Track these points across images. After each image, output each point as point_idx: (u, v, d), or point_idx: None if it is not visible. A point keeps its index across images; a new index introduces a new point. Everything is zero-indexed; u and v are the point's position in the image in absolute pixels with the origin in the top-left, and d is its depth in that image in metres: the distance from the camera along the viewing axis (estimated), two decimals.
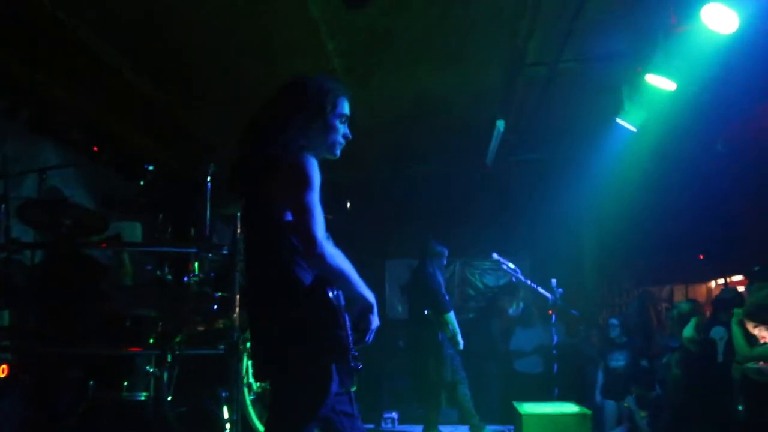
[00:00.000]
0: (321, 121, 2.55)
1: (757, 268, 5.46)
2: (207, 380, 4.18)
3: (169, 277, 4.25)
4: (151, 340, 4.23)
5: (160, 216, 4.50)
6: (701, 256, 8.19)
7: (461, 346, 6.59)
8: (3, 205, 4.22)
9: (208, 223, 4.15)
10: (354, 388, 2.47)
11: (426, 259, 6.78)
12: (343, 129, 2.63)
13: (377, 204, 8.77)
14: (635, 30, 4.98)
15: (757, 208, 6.81)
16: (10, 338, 4.45)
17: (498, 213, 9.35)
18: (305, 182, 2.37)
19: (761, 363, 4.15)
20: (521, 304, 9.40)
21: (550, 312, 7.32)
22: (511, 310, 9.68)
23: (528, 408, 5.71)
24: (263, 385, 4.22)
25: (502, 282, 10.41)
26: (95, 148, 5.38)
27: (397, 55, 5.24)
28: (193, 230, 4.27)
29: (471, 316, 10.31)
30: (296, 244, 2.39)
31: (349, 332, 2.38)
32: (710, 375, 5.18)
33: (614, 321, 7.59)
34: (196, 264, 4.16)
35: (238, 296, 3.96)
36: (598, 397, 7.54)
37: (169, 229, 4.34)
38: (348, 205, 4.56)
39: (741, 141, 5.84)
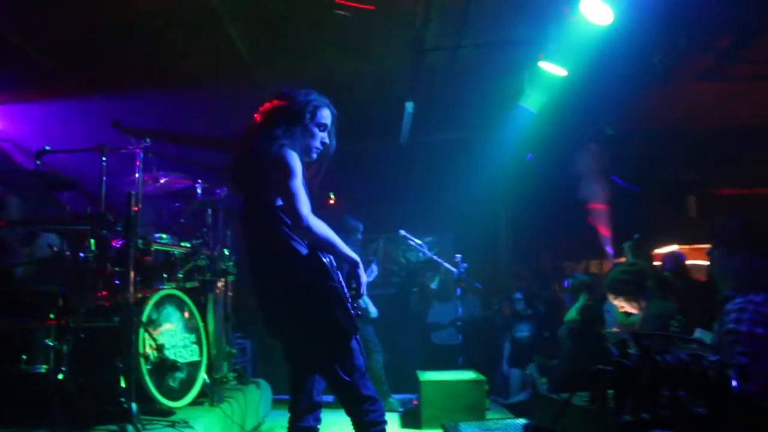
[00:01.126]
0: (301, 127, 3.05)
1: (637, 236, 5.84)
2: (105, 352, 4.27)
3: (68, 253, 4.35)
4: (51, 315, 4.32)
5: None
6: (605, 233, 8.66)
7: (373, 315, 6.80)
8: None
9: (103, 200, 4.27)
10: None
11: (340, 234, 6.97)
12: (320, 136, 3.14)
13: None
14: (529, 18, 5.23)
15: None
16: None
17: (419, 191, 9.62)
18: (288, 171, 2.84)
19: (615, 328, 4.53)
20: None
21: (463, 286, 7.74)
22: (433, 285, 9.98)
23: (428, 376, 6.02)
24: (159, 355, 4.39)
25: (423, 258, 10.69)
26: None
27: (299, 39, 5.40)
28: (88, 208, 4.37)
29: (393, 291, 10.63)
30: (289, 223, 2.88)
31: (344, 285, 2.94)
32: (593, 345, 5.54)
33: (518, 295, 7.98)
34: (92, 241, 4.26)
35: (132, 271, 4.09)
36: (504, 366, 7.93)
37: (68, 208, 4.42)
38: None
39: (628, 125, 6.20)
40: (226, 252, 5.52)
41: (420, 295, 10.06)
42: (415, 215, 9.85)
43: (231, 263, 5.52)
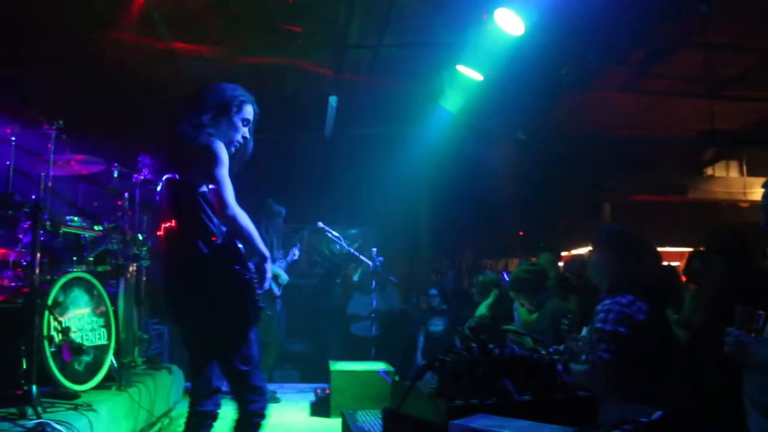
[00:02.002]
0: (226, 119, 3.13)
1: (541, 244, 6.14)
2: (8, 334, 4.25)
3: None
4: None
5: None
6: (521, 233, 9.01)
7: (284, 280, 6.93)
8: None
9: (10, 181, 4.25)
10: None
11: (261, 218, 7.02)
12: (242, 131, 3.21)
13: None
14: (448, 22, 5.41)
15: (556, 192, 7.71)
16: None
17: (345, 184, 9.73)
18: (216, 160, 2.93)
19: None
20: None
21: (378, 279, 7.94)
22: (355, 277, 10.14)
23: (339, 366, 6.17)
24: (65, 338, 4.38)
25: (341, 250, 10.85)
26: None
27: (225, 29, 5.44)
28: None
29: (316, 282, 10.78)
30: (208, 209, 2.97)
31: (255, 275, 3.00)
32: (498, 341, 5.80)
33: (433, 291, 8.21)
34: None
35: (38, 254, 4.08)
36: (418, 358, 8.15)
37: None
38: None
39: (539, 131, 6.49)
40: (140, 237, 5.51)
41: (342, 286, 10.23)
42: (341, 208, 9.98)
43: (144, 248, 5.52)
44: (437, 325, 8.05)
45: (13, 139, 4.25)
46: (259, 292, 3.05)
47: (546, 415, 1.61)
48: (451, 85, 6.34)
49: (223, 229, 3.02)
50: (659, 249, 7.60)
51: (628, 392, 3.16)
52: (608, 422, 1.63)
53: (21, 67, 5.59)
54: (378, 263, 7.05)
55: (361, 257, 7.11)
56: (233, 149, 3.22)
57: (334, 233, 7.04)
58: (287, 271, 7.16)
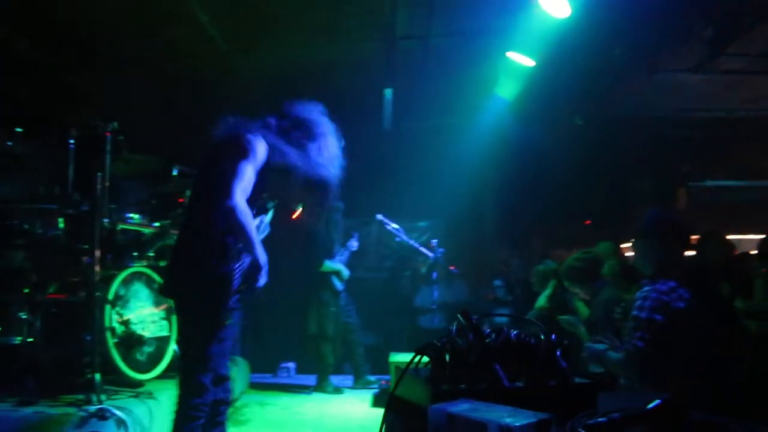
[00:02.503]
0: (297, 135, 3.26)
1: (608, 231, 5.95)
2: (74, 326, 4.49)
3: (40, 230, 4.57)
4: (26, 290, 4.54)
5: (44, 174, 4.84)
6: (587, 222, 8.76)
7: (346, 275, 7.00)
8: None
9: (71, 181, 4.48)
10: (228, 321, 3.06)
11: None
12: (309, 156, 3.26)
13: None
14: (494, 8, 5.31)
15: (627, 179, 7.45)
16: None
17: (410, 176, 9.71)
18: (245, 151, 2.96)
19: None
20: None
21: (452, 268, 7.93)
22: (423, 270, 10.14)
23: (397, 358, 6.19)
24: (126, 330, 4.60)
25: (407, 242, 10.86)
26: None
27: (274, 28, 5.54)
28: (58, 188, 4.57)
29: (385, 275, 10.83)
30: (216, 201, 2.91)
31: (236, 274, 2.99)
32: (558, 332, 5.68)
33: (498, 282, 8.13)
34: (60, 219, 4.47)
35: (98, 250, 4.29)
36: None
37: (41, 187, 4.63)
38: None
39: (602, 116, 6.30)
40: None
41: (410, 279, 10.24)
42: (408, 200, 9.99)
43: None
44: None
45: (71, 141, 4.47)
46: (234, 288, 3.01)
47: (539, 402, 1.57)
48: (505, 73, 6.24)
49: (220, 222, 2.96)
50: (738, 236, 7.27)
51: (664, 382, 3.05)
52: (601, 410, 1.58)
53: (79, 71, 5.90)
54: (438, 254, 7.04)
55: (422, 249, 7.11)
56: (280, 161, 3.15)
57: (394, 226, 7.07)
58: (349, 264, 7.24)
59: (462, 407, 1.46)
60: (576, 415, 1.52)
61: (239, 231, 2.92)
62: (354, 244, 7.42)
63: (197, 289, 2.99)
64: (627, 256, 6.77)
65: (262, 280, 3.07)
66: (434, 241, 7.04)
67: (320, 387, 7.02)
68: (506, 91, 6.42)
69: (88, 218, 4.36)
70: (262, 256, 3.01)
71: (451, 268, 7.74)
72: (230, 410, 5.27)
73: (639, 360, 3.06)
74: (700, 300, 3.17)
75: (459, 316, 1.74)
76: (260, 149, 3.01)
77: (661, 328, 3.02)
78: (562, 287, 6.18)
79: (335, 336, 7.08)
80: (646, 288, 3.19)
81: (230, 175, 2.90)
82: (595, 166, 8.50)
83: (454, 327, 1.75)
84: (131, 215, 5.11)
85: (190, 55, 5.96)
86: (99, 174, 4.25)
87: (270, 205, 3.48)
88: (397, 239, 7.14)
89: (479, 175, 9.21)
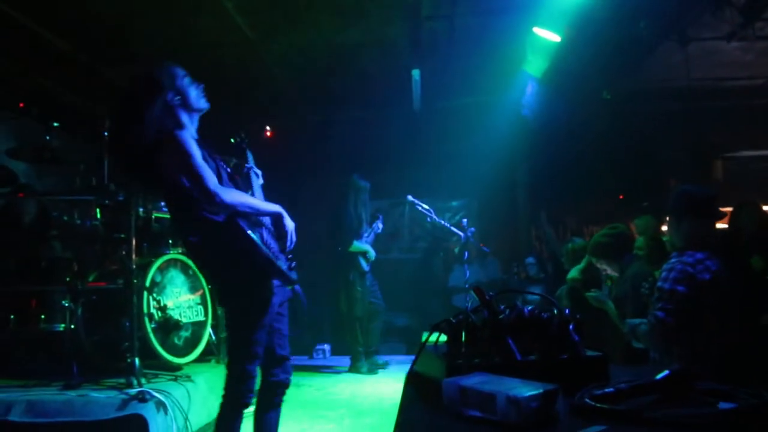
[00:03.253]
0: (181, 96, 3.03)
1: (645, 204, 5.90)
2: (114, 313, 4.65)
3: (78, 221, 4.72)
4: (67, 278, 4.71)
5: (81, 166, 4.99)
6: (621, 197, 8.68)
7: (372, 256, 7.14)
8: None
9: (106, 172, 4.61)
10: (296, 284, 3.18)
11: (349, 193, 7.20)
12: (196, 86, 3.13)
13: (318, 149, 9.22)
14: None
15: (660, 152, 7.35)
16: None
17: (442, 155, 9.72)
18: (187, 153, 2.85)
19: (593, 289, 4.68)
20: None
21: (483, 246, 7.95)
22: (456, 250, 10.17)
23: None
24: (163, 315, 4.74)
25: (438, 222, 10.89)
26: (21, 104, 5.74)
27: (298, 12, 5.58)
28: (94, 180, 4.71)
29: (419, 255, 10.89)
30: (197, 198, 2.86)
31: (271, 246, 3.03)
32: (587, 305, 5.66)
33: (530, 259, 8.12)
34: (98, 210, 4.61)
35: (134, 238, 4.42)
36: None
37: (77, 179, 4.78)
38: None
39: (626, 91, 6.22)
40: None
41: (443, 259, 10.28)
42: (440, 180, 10.02)
43: None
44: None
45: (105, 133, 4.60)
46: (277, 256, 3.03)
47: (552, 375, 1.61)
48: (532, 49, 6.20)
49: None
50: None
51: (686, 353, 3.05)
52: (613, 382, 1.61)
53: (112, 65, 6.03)
54: (470, 234, 7.04)
55: (453, 229, 7.12)
56: (205, 104, 3.15)
57: (425, 206, 7.09)
58: (375, 245, 7.32)
59: (474, 380, 1.51)
60: (587, 387, 1.56)
61: (242, 211, 2.92)
62: (379, 225, 7.49)
63: (246, 278, 2.99)
64: (663, 231, 6.72)
65: (289, 226, 3.11)
66: (464, 221, 7.03)
67: (354, 368, 7.12)
68: (534, 67, 6.39)
69: (124, 208, 4.49)
70: (275, 207, 3.07)
71: (482, 246, 7.73)
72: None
73: (660, 330, 3.08)
74: (728, 271, 3.16)
75: (473, 292, 1.78)
76: (192, 143, 2.93)
77: (684, 299, 3.03)
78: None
79: (363, 316, 7.16)
80: (672, 260, 3.20)
81: (196, 180, 2.83)
82: (627, 140, 8.41)
83: (469, 304, 1.79)
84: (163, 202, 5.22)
85: (219, 45, 6.04)
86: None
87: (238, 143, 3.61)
88: (429, 220, 7.15)
89: (510, 153, 9.18)
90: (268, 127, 4.83)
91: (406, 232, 11.14)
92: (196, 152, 2.89)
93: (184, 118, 3.06)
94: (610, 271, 4.72)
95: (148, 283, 4.64)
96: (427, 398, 1.67)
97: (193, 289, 5.16)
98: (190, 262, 5.17)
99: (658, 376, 1.54)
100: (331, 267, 7.26)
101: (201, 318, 5.17)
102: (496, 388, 1.42)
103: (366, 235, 7.27)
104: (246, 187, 3.31)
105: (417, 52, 6.49)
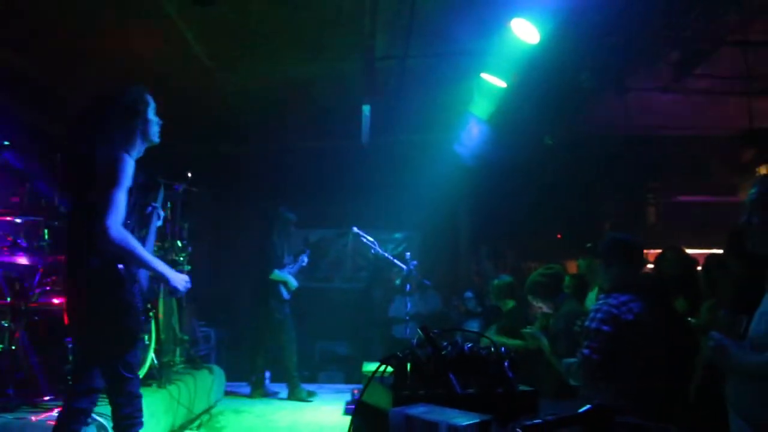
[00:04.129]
0: (141, 119, 3.20)
1: (588, 245, 6.18)
2: (55, 334, 4.62)
3: (24, 242, 4.69)
4: (8, 298, 4.66)
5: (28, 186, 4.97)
6: (559, 236, 9.03)
7: (293, 286, 7.29)
8: None
9: (57, 193, 4.62)
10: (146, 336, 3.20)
11: (274, 224, 7.35)
12: (156, 119, 3.29)
13: (269, 177, 9.32)
14: (469, 32, 5.52)
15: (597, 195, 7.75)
16: None
17: (387, 189, 9.91)
18: (115, 179, 2.94)
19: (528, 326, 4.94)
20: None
21: (426, 281, 8.14)
22: (397, 281, 10.34)
23: (371, 367, 6.36)
24: None
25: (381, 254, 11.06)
26: None
27: (256, 46, 5.73)
28: (43, 201, 4.71)
29: (361, 285, 11.02)
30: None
31: (137, 296, 3.14)
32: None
33: (469, 294, 8.35)
34: (46, 231, 4.61)
35: None
36: None
37: (25, 200, 4.76)
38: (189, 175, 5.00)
39: (567, 136, 6.55)
40: (179, 244, 5.85)
41: (384, 290, 10.44)
42: (384, 213, 10.21)
43: (184, 255, 5.86)
44: (472, 327, 8.16)
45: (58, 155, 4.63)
46: (140, 307, 3.19)
47: (488, 407, 1.77)
48: (480, 92, 6.47)
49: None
50: (709, 251, 7.53)
51: (610, 389, 3.28)
52: (541, 414, 1.78)
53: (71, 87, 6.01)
54: (412, 267, 7.23)
55: (396, 261, 7.30)
56: (157, 138, 3.29)
57: (369, 238, 7.26)
58: (315, 274, 7.49)
59: (418, 410, 1.66)
60: (518, 418, 1.73)
61: (127, 256, 3.00)
62: (304, 259, 7.66)
63: (109, 318, 3.07)
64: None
65: (179, 286, 3.25)
66: (408, 254, 7.24)
67: (293, 395, 7.17)
68: (480, 110, 6.66)
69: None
70: (162, 268, 3.17)
71: (423, 279, 7.94)
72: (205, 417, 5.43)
73: (586, 367, 3.30)
74: (651, 313, 3.42)
75: (419, 330, 1.94)
76: (129, 171, 3.04)
77: (608, 338, 3.26)
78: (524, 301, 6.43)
79: (287, 344, 7.24)
80: (600, 302, 3.45)
81: (103, 207, 2.90)
82: (568, 183, 8.77)
83: (415, 340, 1.95)
84: None
85: (178, 72, 6.12)
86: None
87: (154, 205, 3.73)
88: (372, 251, 7.32)
89: (454, 189, 9.44)
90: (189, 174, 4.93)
91: (349, 262, 11.29)
92: (126, 182, 2.99)
93: (135, 144, 3.19)
94: (545, 309, 4.96)
95: None
96: (374, 427, 1.80)
97: None
98: None
99: (581, 410, 1.72)
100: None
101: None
102: (438, 418, 1.57)
103: (289, 265, 7.43)
104: (140, 225, 3.49)
105: (369, 88, 6.68)
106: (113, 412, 3.25)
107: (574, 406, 1.83)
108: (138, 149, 3.24)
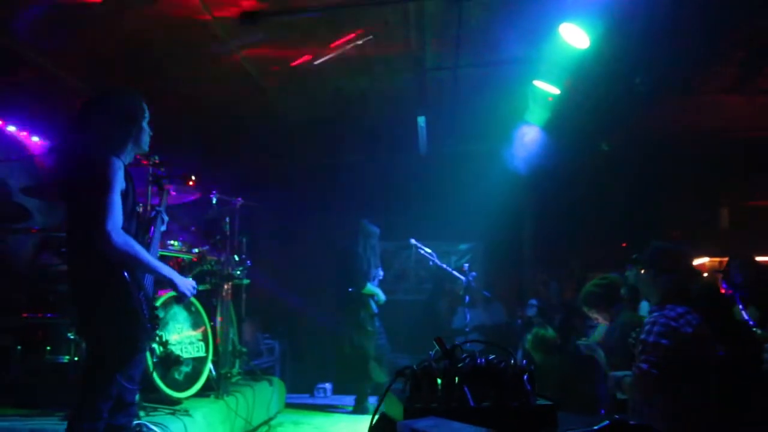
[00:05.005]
0: (136, 127, 3.20)
1: (634, 256, 5.97)
2: None
3: None
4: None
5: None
6: (624, 245, 8.74)
7: (382, 300, 7.36)
8: None
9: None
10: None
11: (358, 237, 7.39)
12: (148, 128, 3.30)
13: (328, 191, 9.43)
14: (518, 39, 5.47)
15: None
16: None
17: (449, 199, 9.83)
18: (106, 184, 2.92)
19: (582, 338, 4.79)
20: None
21: (485, 292, 8.06)
22: (461, 292, 10.24)
23: None
24: (165, 350, 4.87)
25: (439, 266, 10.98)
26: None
27: (303, 63, 5.83)
28: None
29: (424, 297, 10.97)
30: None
31: (143, 302, 3.05)
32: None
33: (533, 301, 8.16)
34: None
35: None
36: None
37: None
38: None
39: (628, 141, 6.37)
40: (236, 258, 5.98)
41: (450, 302, 10.35)
42: (449, 224, 10.13)
43: (240, 269, 5.99)
44: None
45: None
46: (146, 315, 3.04)
47: (502, 422, 1.74)
48: (533, 100, 6.39)
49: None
50: None
51: (668, 405, 3.14)
52: (559, 430, 1.72)
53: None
54: (471, 278, 7.16)
55: (455, 273, 7.24)
56: (146, 147, 3.31)
57: (427, 250, 7.24)
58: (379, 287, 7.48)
59: (425, 423, 1.64)
60: None
61: (130, 261, 2.98)
62: (380, 272, 7.66)
63: (113, 326, 3.03)
64: None
65: (182, 291, 3.24)
66: (466, 265, 7.17)
67: (359, 408, 7.18)
68: (535, 117, 6.57)
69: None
70: (168, 272, 3.18)
71: (483, 291, 7.84)
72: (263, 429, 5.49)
73: (643, 382, 3.18)
74: (709, 325, 3.27)
75: (434, 341, 1.92)
76: (119, 175, 3.01)
77: (667, 352, 3.14)
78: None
79: (375, 356, 7.25)
80: (655, 314, 3.32)
81: (98, 213, 2.88)
82: (631, 189, 8.52)
83: (433, 352, 1.93)
84: (171, 242, 5.41)
85: (233, 92, 6.30)
86: (139, 204, 4.52)
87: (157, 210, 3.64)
88: (431, 263, 7.29)
89: (516, 198, 9.32)
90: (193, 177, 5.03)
91: (412, 274, 11.26)
92: (118, 185, 2.98)
93: (124, 150, 3.18)
94: (601, 320, 4.82)
95: None
96: None
97: (195, 325, 5.31)
98: (193, 300, 5.32)
99: (597, 426, 1.66)
100: (337, 307, 7.40)
101: (202, 354, 5.30)
102: None
103: (376, 278, 7.45)
104: (144, 229, 3.43)
105: (422, 100, 6.70)
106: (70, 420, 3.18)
107: (595, 421, 1.77)
108: (128, 155, 3.24)
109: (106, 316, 3.03)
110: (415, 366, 1.93)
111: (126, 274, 2.99)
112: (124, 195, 3.04)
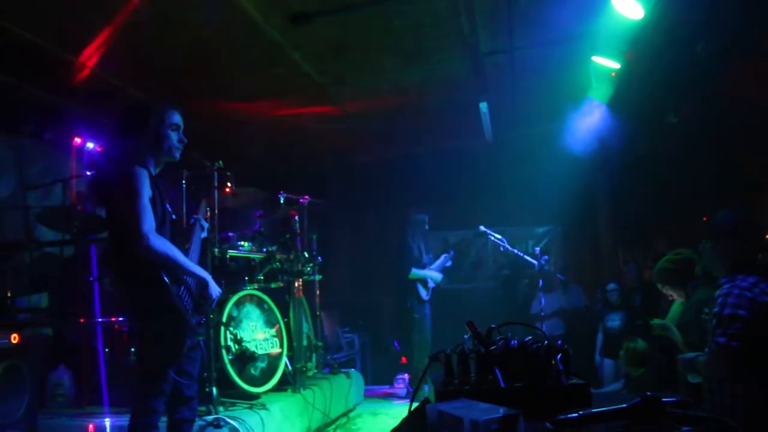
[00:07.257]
0: (154, 134, 3.32)
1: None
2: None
3: None
4: None
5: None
6: (705, 219, 8.37)
7: (437, 279, 7.35)
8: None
9: (184, 215, 5.03)
10: (201, 338, 3.32)
11: (406, 226, 7.44)
12: (176, 136, 3.40)
13: (399, 183, 9.48)
14: (571, 15, 5.32)
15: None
16: (50, 316, 5.54)
17: (521, 184, 9.72)
18: (132, 190, 3.10)
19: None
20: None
21: (560, 275, 7.94)
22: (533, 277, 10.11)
23: None
24: (240, 347, 5.07)
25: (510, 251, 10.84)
26: None
27: (361, 58, 5.88)
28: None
29: (501, 284, 10.89)
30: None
31: (186, 301, 3.23)
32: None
33: (612, 285, 7.97)
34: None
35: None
36: (597, 357, 7.97)
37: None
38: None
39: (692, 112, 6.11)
40: (306, 255, 6.13)
41: (529, 286, 10.23)
42: (522, 209, 10.04)
43: (311, 265, 6.12)
44: (614, 321, 7.84)
45: (183, 182, 5.04)
46: (189, 311, 3.20)
47: (534, 402, 1.74)
48: (595, 76, 6.23)
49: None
50: None
51: (751, 378, 3.02)
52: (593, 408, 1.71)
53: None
54: (543, 262, 7.06)
55: (527, 257, 7.16)
56: (177, 155, 3.40)
57: (497, 236, 7.18)
58: (458, 276, 7.50)
59: (452, 405, 1.65)
60: (565, 413, 1.67)
61: (167, 263, 3.14)
62: (448, 260, 7.66)
63: (157, 324, 3.19)
64: None
65: (213, 293, 3.35)
66: (537, 249, 7.09)
67: (414, 395, 7.20)
68: (599, 94, 6.40)
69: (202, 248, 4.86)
70: (202, 273, 3.31)
71: (558, 275, 7.71)
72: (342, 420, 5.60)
73: (723, 357, 3.06)
74: None
75: (467, 325, 1.93)
76: (144, 181, 3.14)
77: (745, 323, 3.02)
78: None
79: (421, 343, 7.26)
80: (726, 286, 3.19)
81: (132, 218, 3.05)
82: (708, 162, 8.16)
83: (467, 335, 1.95)
84: (242, 243, 5.60)
85: (291, 91, 6.44)
86: (207, 208, 4.72)
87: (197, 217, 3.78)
88: (501, 249, 7.23)
89: (587, 178, 9.12)
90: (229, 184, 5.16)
91: (490, 261, 11.20)
92: (145, 192, 3.13)
93: (150, 158, 3.31)
94: (676, 297, 4.66)
95: (224, 318, 4.99)
96: (424, 419, 1.82)
97: (268, 322, 5.48)
98: (265, 297, 5.51)
99: (628, 403, 1.64)
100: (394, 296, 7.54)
101: (277, 349, 5.48)
102: (465, 413, 1.56)
103: (430, 265, 7.45)
104: (184, 237, 3.56)
105: (482, 86, 6.64)
106: (169, 415, 3.41)
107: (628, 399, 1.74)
108: (154, 163, 3.36)
109: (146, 314, 3.22)
110: (447, 350, 1.95)
111: (162, 272, 3.15)
112: (152, 202, 3.20)
